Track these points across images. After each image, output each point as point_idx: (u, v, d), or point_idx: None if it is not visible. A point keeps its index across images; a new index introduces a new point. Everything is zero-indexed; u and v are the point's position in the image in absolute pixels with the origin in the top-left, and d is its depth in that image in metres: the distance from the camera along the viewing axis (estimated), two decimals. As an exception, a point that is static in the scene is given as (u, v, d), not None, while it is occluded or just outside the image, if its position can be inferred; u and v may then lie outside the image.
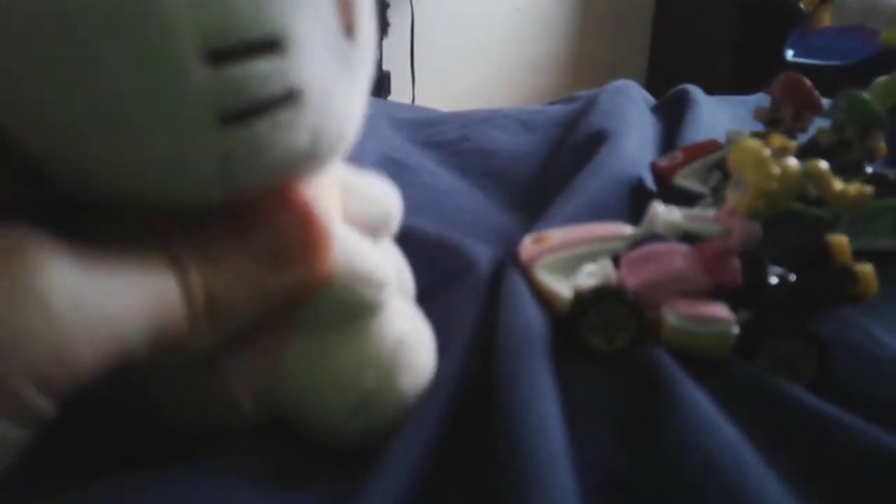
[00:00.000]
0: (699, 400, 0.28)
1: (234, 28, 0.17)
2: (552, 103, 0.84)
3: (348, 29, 0.21)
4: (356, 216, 0.28)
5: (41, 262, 0.18)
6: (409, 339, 0.26)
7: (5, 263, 0.18)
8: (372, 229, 0.30)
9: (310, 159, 0.21)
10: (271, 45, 0.18)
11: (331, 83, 0.20)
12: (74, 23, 0.16)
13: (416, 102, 1.57)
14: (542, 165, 0.61)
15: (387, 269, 0.25)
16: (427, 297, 0.34)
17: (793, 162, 0.30)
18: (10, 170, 0.20)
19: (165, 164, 0.18)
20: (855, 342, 0.34)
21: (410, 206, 0.34)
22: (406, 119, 0.74)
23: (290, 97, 0.19)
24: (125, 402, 0.25)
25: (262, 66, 0.18)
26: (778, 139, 0.30)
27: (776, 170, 0.30)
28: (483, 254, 0.38)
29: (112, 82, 0.17)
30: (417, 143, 0.67)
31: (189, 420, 0.25)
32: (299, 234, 0.22)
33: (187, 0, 0.16)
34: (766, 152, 0.30)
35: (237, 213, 0.22)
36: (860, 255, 0.35)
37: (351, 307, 0.25)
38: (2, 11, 0.16)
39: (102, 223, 0.22)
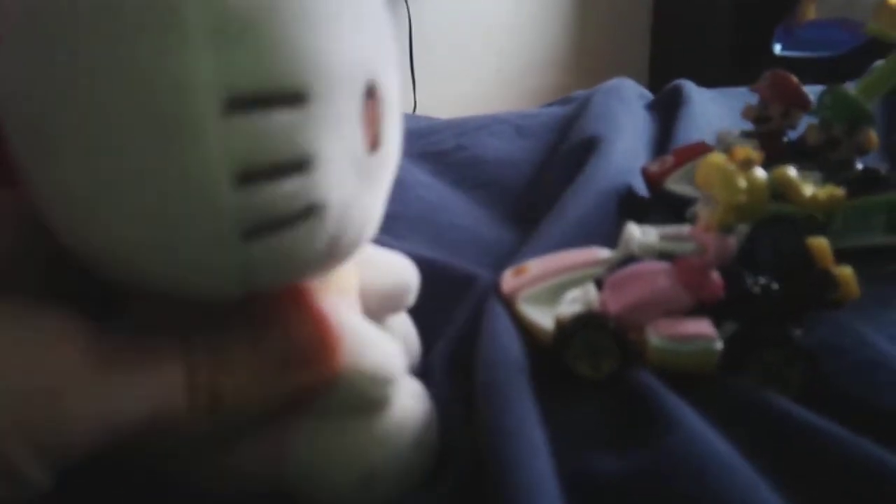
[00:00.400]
0: (689, 417, 0.28)
1: (266, 153, 0.18)
2: (549, 105, 0.84)
3: (374, 143, 0.21)
4: (372, 288, 0.29)
5: (64, 352, 0.19)
6: (415, 417, 0.27)
7: (10, 331, 0.19)
8: (388, 301, 0.31)
9: (327, 261, 0.22)
10: (300, 164, 0.18)
11: (352, 195, 0.21)
12: (119, 145, 0.17)
13: (418, 108, 1.57)
14: (535, 172, 0.61)
15: (395, 363, 0.26)
16: (418, 321, 0.34)
17: (759, 173, 0.30)
18: (46, 250, 0.21)
19: (186, 269, 0.19)
20: (847, 347, 0.33)
21: (404, 223, 0.34)
22: (403, 130, 0.75)
23: (312, 211, 0.19)
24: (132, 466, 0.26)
25: (288, 185, 0.18)
26: (742, 150, 0.30)
27: (743, 183, 0.29)
28: (477, 279, 0.39)
29: (145, 198, 0.17)
30: (413, 155, 0.68)
31: (198, 487, 0.25)
32: (310, 339, 0.23)
33: (222, 127, 0.17)
34: (732, 167, 0.30)
35: (252, 311, 0.22)
36: (855, 252, 0.35)
37: (357, 404, 0.25)
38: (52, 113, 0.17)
39: (125, 297, 0.23)
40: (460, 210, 0.55)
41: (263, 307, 0.23)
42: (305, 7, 0.18)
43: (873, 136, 0.46)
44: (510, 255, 0.44)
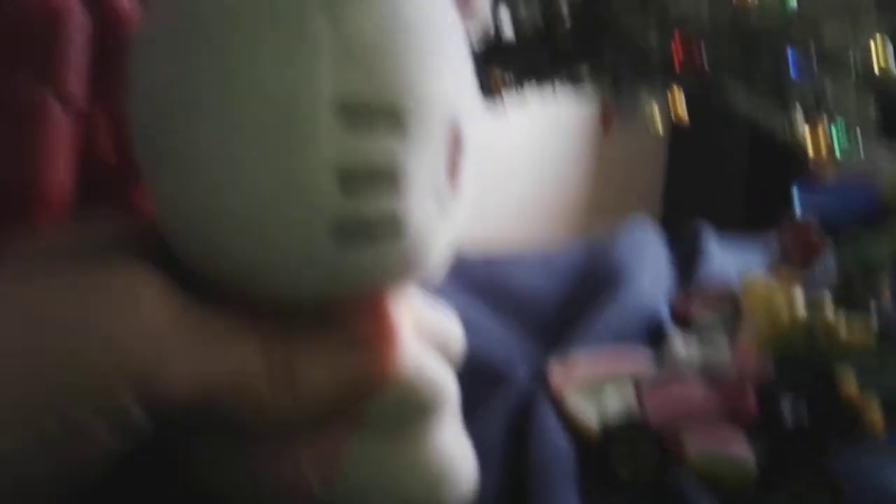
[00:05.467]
0: None
1: (367, 162, 0.20)
2: (572, 244, 0.88)
3: (451, 174, 0.24)
4: (424, 342, 0.30)
5: (150, 290, 0.21)
6: (455, 455, 0.28)
7: (119, 284, 0.21)
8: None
9: (397, 279, 0.24)
10: (393, 179, 0.21)
11: (429, 220, 0.23)
12: (241, 140, 0.20)
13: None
14: (564, 303, 0.63)
15: (450, 383, 0.27)
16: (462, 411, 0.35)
17: (800, 305, 0.33)
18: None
19: (284, 264, 0.21)
20: (868, 485, 0.35)
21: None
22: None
23: (397, 225, 0.22)
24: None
25: (381, 195, 0.21)
26: (785, 272, 0.33)
27: (785, 313, 0.32)
28: (515, 368, 0.41)
29: (257, 192, 0.20)
30: (444, 281, 0.70)
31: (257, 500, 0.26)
32: (371, 327, 0.25)
33: (333, 133, 0.20)
34: (776, 291, 0.33)
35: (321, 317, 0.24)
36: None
37: (412, 408, 0.26)
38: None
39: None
40: (495, 328, 0.57)
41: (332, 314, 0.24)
42: (414, 42, 0.21)
43: (886, 291, 0.49)
44: (545, 364, 0.45)
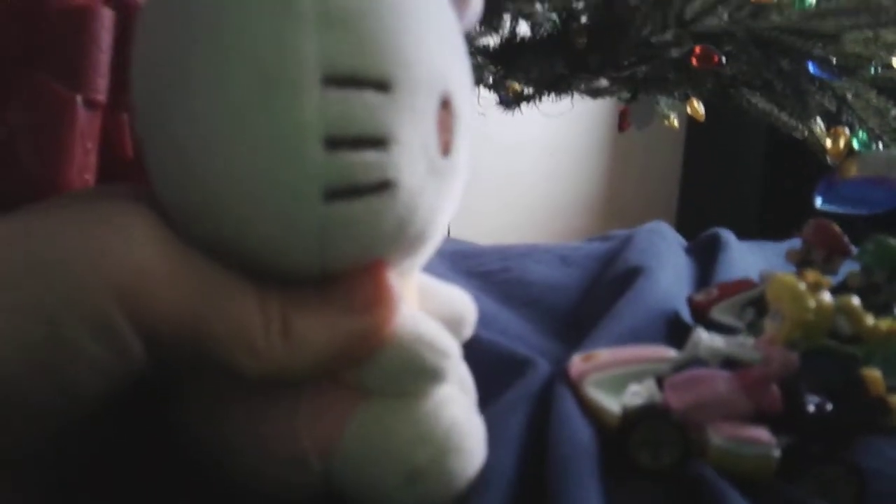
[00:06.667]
0: None
1: (352, 124, 0.22)
2: (589, 241, 0.88)
3: (445, 149, 0.25)
4: (432, 317, 0.30)
5: (142, 218, 0.22)
6: (462, 425, 0.28)
7: (111, 209, 0.22)
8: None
9: (393, 245, 0.25)
10: (379, 141, 0.22)
11: (420, 185, 0.24)
12: (231, 103, 0.21)
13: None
14: (580, 297, 0.63)
15: (453, 349, 0.27)
16: (481, 401, 0.35)
17: (827, 296, 0.33)
18: None
19: (271, 225, 0.22)
20: (893, 477, 0.35)
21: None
22: (448, 251, 0.78)
23: (386, 186, 0.23)
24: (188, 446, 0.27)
25: (368, 157, 0.22)
26: (812, 275, 0.33)
27: (812, 303, 0.32)
28: (536, 360, 0.41)
29: (244, 152, 0.21)
30: (460, 273, 0.70)
31: (249, 469, 0.26)
32: (368, 291, 0.25)
33: (319, 96, 0.21)
34: (803, 286, 0.32)
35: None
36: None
37: (413, 369, 0.26)
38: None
39: None
40: (511, 322, 0.57)
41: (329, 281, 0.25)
42: (399, 10, 0.23)
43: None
44: (563, 359, 0.45)
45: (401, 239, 0.25)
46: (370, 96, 0.22)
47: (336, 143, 0.21)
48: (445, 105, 0.25)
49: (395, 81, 0.22)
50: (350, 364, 0.25)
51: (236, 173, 0.21)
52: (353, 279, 0.25)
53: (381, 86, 0.22)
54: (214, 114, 0.21)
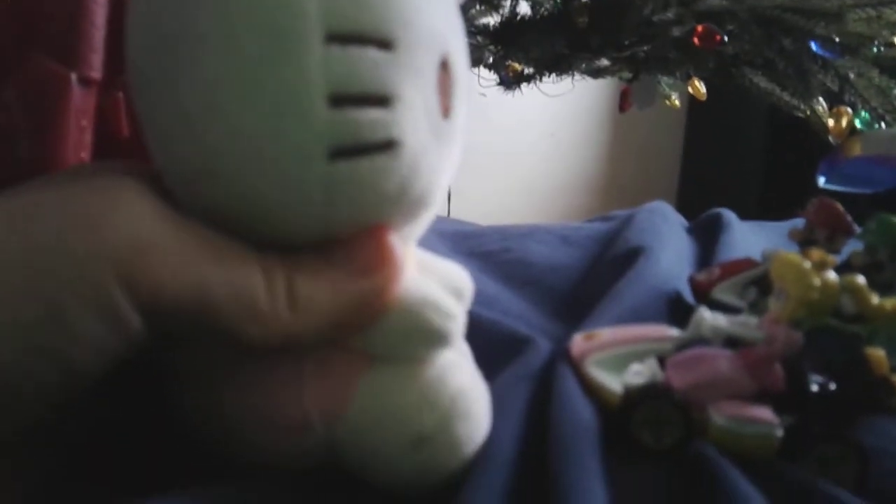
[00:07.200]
0: (751, 494, 0.29)
1: (356, 82, 0.22)
2: (589, 221, 0.87)
3: (445, 110, 0.25)
4: None
5: (139, 192, 0.22)
6: (468, 391, 0.27)
7: (107, 184, 0.22)
8: None
9: (396, 207, 0.24)
10: (383, 99, 0.22)
11: (422, 145, 0.24)
12: (235, 59, 0.21)
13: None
14: (581, 277, 0.63)
15: (458, 312, 0.27)
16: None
17: (832, 275, 0.32)
18: None
19: (275, 184, 0.22)
20: (895, 454, 0.35)
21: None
22: (449, 231, 0.78)
23: (389, 146, 0.23)
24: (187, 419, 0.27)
25: (373, 115, 0.22)
26: (818, 253, 0.33)
27: (817, 281, 0.32)
28: (537, 339, 0.41)
29: (247, 108, 0.21)
30: (461, 253, 0.70)
31: (249, 441, 0.26)
32: (373, 254, 0.25)
33: (323, 53, 0.21)
34: (807, 264, 0.32)
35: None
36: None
37: (419, 332, 0.26)
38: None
39: None
40: (512, 303, 0.57)
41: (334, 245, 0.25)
42: None
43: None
44: (565, 338, 0.45)
45: (403, 201, 0.24)
46: (373, 53, 0.22)
47: (340, 100, 0.21)
48: (444, 67, 0.25)
49: (397, 40, 0.22)
50: (356, 330, 0.25)
51: (241, 132, 0.21)
52: (356, 242, 0.25)
53: (384, 44, 0.22)
54: (220, 74, 0.21)
